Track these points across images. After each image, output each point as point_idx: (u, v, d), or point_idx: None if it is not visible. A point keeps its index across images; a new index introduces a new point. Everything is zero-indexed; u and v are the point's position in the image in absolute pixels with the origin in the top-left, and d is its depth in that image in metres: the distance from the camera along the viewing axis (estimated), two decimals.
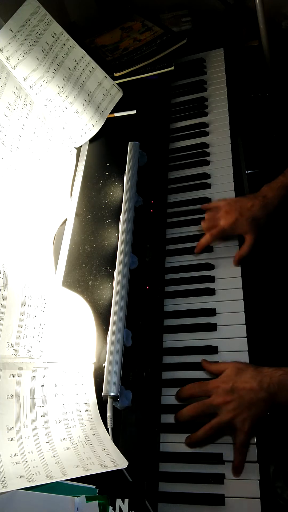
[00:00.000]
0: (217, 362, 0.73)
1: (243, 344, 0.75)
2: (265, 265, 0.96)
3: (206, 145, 1.02)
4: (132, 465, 0.60)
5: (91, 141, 0.99)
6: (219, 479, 0.65)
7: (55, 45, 0.95)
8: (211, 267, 0.85)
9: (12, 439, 0.58)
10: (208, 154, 1.00)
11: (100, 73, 1.02)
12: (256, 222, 0.82)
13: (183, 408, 0.68)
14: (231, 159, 0.97)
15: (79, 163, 0.96)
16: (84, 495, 0.55)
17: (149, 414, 0.70)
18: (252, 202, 0.83)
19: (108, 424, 0.64)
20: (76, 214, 0.88)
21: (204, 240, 0.86)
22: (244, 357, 0.74)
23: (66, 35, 0.97)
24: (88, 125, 0.98)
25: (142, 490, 0.62)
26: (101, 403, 0.67)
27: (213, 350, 0.76)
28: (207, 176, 0.97)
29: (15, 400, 0.61)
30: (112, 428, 0.64)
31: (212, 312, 0.80)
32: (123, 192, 0.87)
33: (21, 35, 0.88)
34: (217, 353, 0.76)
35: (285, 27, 1.30)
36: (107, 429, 0.64)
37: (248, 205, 0.83)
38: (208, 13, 1.32)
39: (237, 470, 0.64)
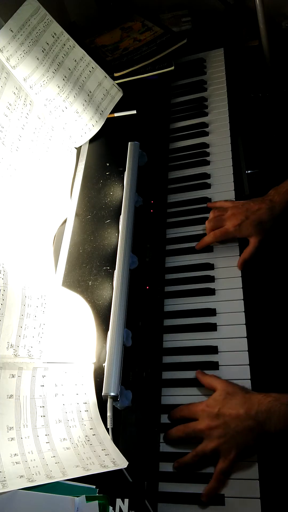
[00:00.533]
0: (212, 375, 0.71)
1: (243, 344, 0.75)
2: (265, 265, 0.96)
3: (206, 145, 1.02)
4: (132, 465, 0.60)
5: (91, 141, 0.99)
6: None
7: (55, 45, 0.95)
8: (211, 267, 0.85)
9: (12, 439, 0.58)
10: (208, 154, 1.00)
11: (100, 73, 1.02)
12: (262, 226, 0.82)
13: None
14: (231, 159, 0.97)
15: (79, 163, 0.96)
16: (84, 495, 0.55)
17: (149, 414, 0.70)
18: (258, 206, 0.83)
19: (108, 424, 0.64)
20: (76, 214, 0.88)
21: (207, 238, 0.86)
22: (244, 357, 0.74)
23: (66, 35, 0.97)
24: (88, 125, 0.98)
25: (142, 490, 0.62)
26: (101, 403, 0.67)
27: (213, 350, 0.76)
28: (207, 176, 0.97)
29: (15, 400, 0.61)
30: (112, 428, 0.64)
31: (212, 312, 0.80)
32: (123, 192, 0.87)
33: (21, 35, 0.88)
34: (217, 353, 0.76)
35: (285, 27, 1.30)
36: (107, 429, 0.64)
37: (254, 209, 0.83)
38: (208, 13, 1.32)
39: (207, 496, 0.62)
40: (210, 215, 0.88)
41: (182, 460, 0.66)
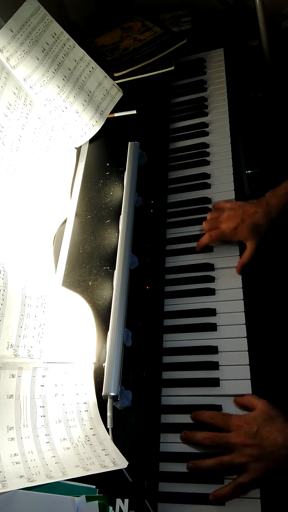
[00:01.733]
0: (250, 395, 0.69)
1: (243, 344, 0.75)
2: (265, 265, 0.96)
3: (206, 145, 1.02)
4: (132, 465, 0.60)
5: (91, 141, 0.99)
6: (219, 479, 0.65)
7: (55, 45, 0.95)
8: (211, 267, 0.85)
9: (12, 439, 0.58)
10: (208, 154, 1.00)
11: (100, 73, 1.03)
12: (257, 229, 0.82)
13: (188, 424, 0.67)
14: (231, 159, 0.97)
15: (79, 163, 0.96)
16: (84, 495, 0.55)
17: (149, 414, 0.70)
18: (255, 209, 0.82)
19: (108, 424, 0.64)
20: (76, 214, 0.88)
21: (204, 239, 0.86)
22: (244, 357, 0.74)
23: (66, 35, 0.97)
24: (88, 125, 0.98)
25: (142, 490, 0.62)
26: (101, 403, 0.67)
27: (213, 350, 0.76)
28: (207, 176, 0.97)
29: (15, 400, 0.61)
30: (112, 428, 0.64)
31: (212, 312, 0.80)
32: (123, 192, 0.87)
33: (21, 35, 0.88)
34: (217, 353, 0.76)
35: (285, 27, 1.30)
36: (107, 429, 0.64)
37: (251, 212, 0.82)
38: (208, 13, 1.32)
39: (217, 498, 0.62)
40: (208, 216, 0.88)
41: (201, 464, 0.65)
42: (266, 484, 0.63)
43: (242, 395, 0.70)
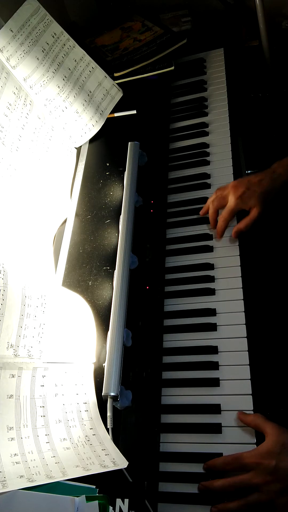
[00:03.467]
0: (256, 415, 0.66)
1: (243, 344, 0.75)
2: (265, 265, 0.96)
3: (206, 145, 1.02)
4: (132, 465, 0.60)
5: (91, 141, 0.99)
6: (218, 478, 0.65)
7: (55, 45, 0.95)
8: (211, 267, 0.85)
9: (12, 439, 0.58)
10: (208, 154, 1.00)
11: (100, 73, 1.03)
12: (264, 196, 0.82)
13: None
14: (231, 159, 0.97)
15: (79, 163, 0.96)
16: (84, 495, 0.55)
17: (149, 414, 0.70)
18: (260, 177, 0.83)
19: (108, 424, 0.64)
20: (76, 214, 0.88)
21: (218, 225, 0.86)
22: (244, 357, 0.74)
23: (66, 35, 0.97)
24: (88, 125, 0.98)
25: (142, 490, 0.62)
26: (101, 403, 0.67)
27: (213, 350, 0.76)
28: (207, 176, 0.97)
29: (15, 400, 0.61)
30: (112, 428, 0.64)
31: (212, 312, 0.80)
32: (123, 192, 0.87)
33: (21, 35, 0.88)
34: (217, 353, 0.76)
35: (285, 27, 1.30)
36: (107, 429, 0.64)
37: (256, 180, 0.83)
38: (208, 13, 1.32)
39: None
40: (212, 195, 0.88)
41: (225, 507, 0.61)
42: None
43: (245, 412, 0.68)
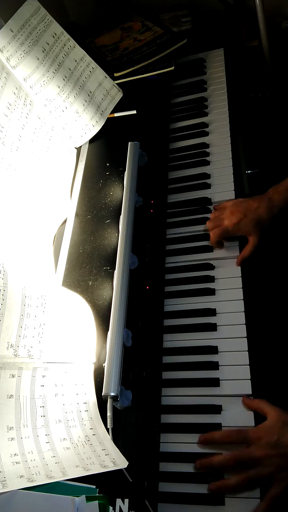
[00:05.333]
0: (261, 400, 0.68)
1: (243, 344, 0.75)
2: (265, 265, 0.96)
3: (206, 145, 1.02)
4: (132, 465, 0.60)
5: (91, 141, 0.99)
6: (219, 478, 0.65)
7: (56, 45, 0.95)
8: (211, 267, 0.85)
9: (12, 439, 0.58)
10: (208, 154, 1.00)
11: (100, 73, 1.03)
12: (260, 224, 0.82)
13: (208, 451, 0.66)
14: (231, 159, 0.97)
15: (79, 163, 0.96)
16: (84, 495, 0.55)
17: (149, 414, 0.70)
18: (257, 204, 0.83)
19: (108, 424, 0.64)
20: (76, 214, 0.88)
21: (211, 238, 0.87)
22: (244, 357, 0.74)
23: (67, 35, 0.97)
24: (88, 125, 0.98)
25: (142, 490, 0.62)
26: (101, 403, 0.67)
27: (213, 350, 0.76)
28: (207, 176, 0.97)
29: (15, 400, 0.61)
30: (112, 428, 0.64)
31: (212, 312, 0.80)
32: (123, 192, 0.87)
33: (22, 35, 0.88)
34: (217, 353, 0.76)
35: (285, 27, 1.30)
36: (107, 429, 0.64)
37: (253, 207, 0.83)
38: (208, 13, 1.32)
39: None
40: (211, 215, 0.88)
41: (226, 483, 0.63)
42: None
43: (250, 397, 0.69)
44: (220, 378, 0.73)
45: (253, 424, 0.68)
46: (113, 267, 0.78)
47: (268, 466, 0.61)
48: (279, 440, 0.62)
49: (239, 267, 0.83)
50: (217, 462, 0.64)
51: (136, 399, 0.68)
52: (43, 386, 0.64)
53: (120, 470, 0.60)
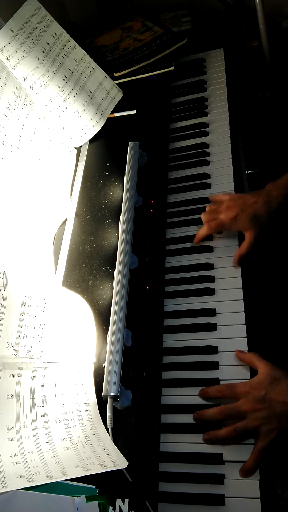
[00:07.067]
0: (253, 353, 0.71)
1: (243, 344, 0.75)
2: (265, 265, 0.96)
3: (206, 145, 1.02)
4: (132, 465, 0.60)
5: (91, 141, 0.99)
6: (219, 479, 0.65)
7: (56, 45, 0.95)
8: (211, 267, 0.85)
9: (12, 439, 0.58)
10: (208, 154, 1.00)
11: (100, 73, 1.03)
12: (257, 219, 0.81)
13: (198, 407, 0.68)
14: (231, 159, 0.97)
15: (79, 163, 0.96)
16: (84, 495, 0.55)
17: (149, 414, 0.70)
18: (255, 199, 0.82)
19: (108, 424, 0.64)
20: (76, 214, 0.88)
21: (202, 231, 0.85)
22: None
23: (67, 36, 0.97)
24: (88, 125, 0.98)
25: (142, 490, 0.62)
26: (101, 403, 0.67)
27: (213, 350, 0.76)
28: (207, 176, 0.97)
29: (15, 400, 0.61)
30: (112, 428, 0.64)
31: (212, 312, 0.80)
32: (123, 192, 0.87)
33: (22, 35, 0.88)
34: (217, 353, 0.76)
35: (285, 27, 1.30)
36: (107, 429, 0.64)
37: (250, 202, 0.82)
38: (208, 13, 1.32)
39: (247, 472, 0.63)
40: (207, 208, 0.87)
41: (215, 434, 0.66)
42: (280, 445, 0.64)
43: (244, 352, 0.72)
44: (220, 378, 0.73)
45: None
46: (113, 267, 0.78)
47: (254, 420, 0.64)
48: (266, 395, 0.65)
49: (239, 267, 0.83)
50: (208, 414, 0.68)
51: (136, 399, 0.68)
52: (43, 386, 0.64)
53: (120, 470, 0.60)
